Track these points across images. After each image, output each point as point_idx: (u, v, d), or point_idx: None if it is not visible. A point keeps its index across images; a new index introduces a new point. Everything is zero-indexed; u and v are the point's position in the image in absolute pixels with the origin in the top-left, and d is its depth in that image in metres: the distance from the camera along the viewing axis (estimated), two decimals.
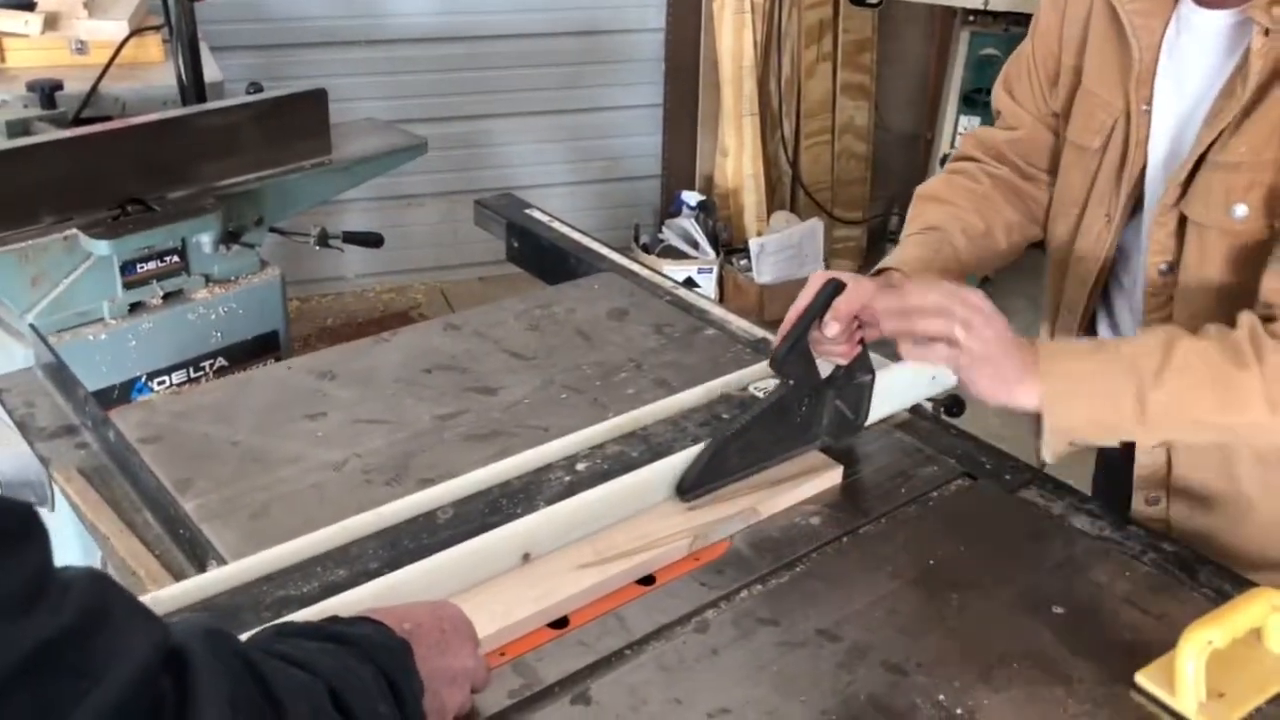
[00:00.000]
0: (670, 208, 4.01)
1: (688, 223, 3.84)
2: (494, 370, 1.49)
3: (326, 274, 3.86)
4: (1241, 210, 1.17)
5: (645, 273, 1.81)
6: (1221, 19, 1.20)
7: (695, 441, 1.23)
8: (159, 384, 1.99)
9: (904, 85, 4.30)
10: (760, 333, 1.64)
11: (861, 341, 1.25)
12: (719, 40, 3.85)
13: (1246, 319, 1.11)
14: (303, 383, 1.42)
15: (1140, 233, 1.31)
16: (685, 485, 1.20)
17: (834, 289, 1.19)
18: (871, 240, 4.23)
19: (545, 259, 1.94)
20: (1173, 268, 1.26)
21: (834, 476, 1.27)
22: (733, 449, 1.22)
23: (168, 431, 1.30)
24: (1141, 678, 1.03)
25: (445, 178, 3.79)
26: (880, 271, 1.35)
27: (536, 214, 2.04)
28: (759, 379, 1.41)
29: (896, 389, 1.42)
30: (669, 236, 3.85)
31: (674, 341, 1.58)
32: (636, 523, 1.16)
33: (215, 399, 1.38)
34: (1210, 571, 1.16)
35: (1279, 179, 1.15)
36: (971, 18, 3.10)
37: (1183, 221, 1.23)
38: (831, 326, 1.18)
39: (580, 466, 1.25)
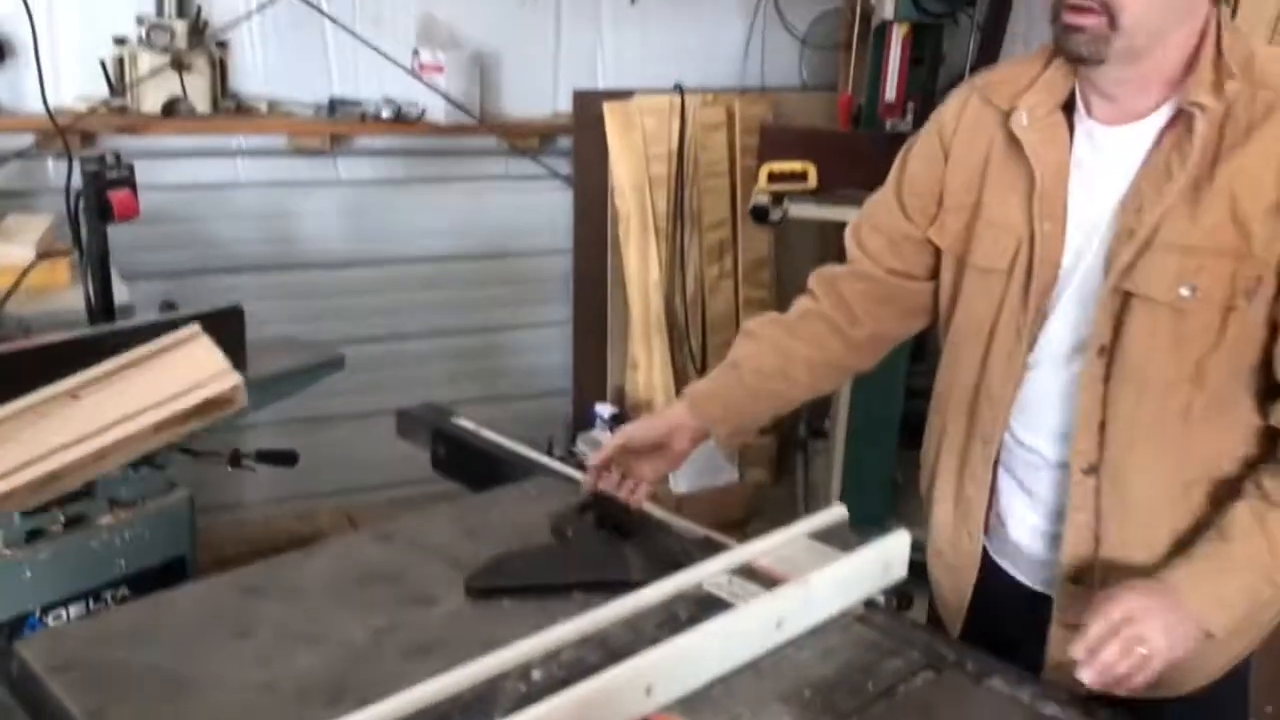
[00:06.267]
0: (584, 420, 4.01)
1: (602, 435, 3.83)
2: (430, 579, 1.42)
3: (225, 499, 3.70)
4: (1186, 291, 1.26)
5: (580, 476, 1.78)
6: (1134, 127, 1.31)
7: (654, 643, 1.16)
8: (54, 618, 1.84)
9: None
10: (703, 532, 1.62)
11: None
12: (626, 261, 3.96)
13: None
14: (228, 599, 1.33)
15: (1053, 339, 1.38)
16: None
17: None
18: (782, 447, 4.27)
19: (474, 466, 1.90)
20: (1104, 350, 1.32)
21: None
22: None
23: (80, 660, 1.19)
24: None
25: (353, 399, 3.73)
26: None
27: (461, 421, 2.01)
28: (712, 576, 1.37)
29: (849, 582, 1.39)
30: (583, 450, 3.83)
31: None
32: None
33: (132, 620, 1.28)
34: None
35: (1226, 264, 1.24)
36: None
37: (1123, 303, 1.30)
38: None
39: (535, 675, 1.17)
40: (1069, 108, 1.38)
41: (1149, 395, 1.30)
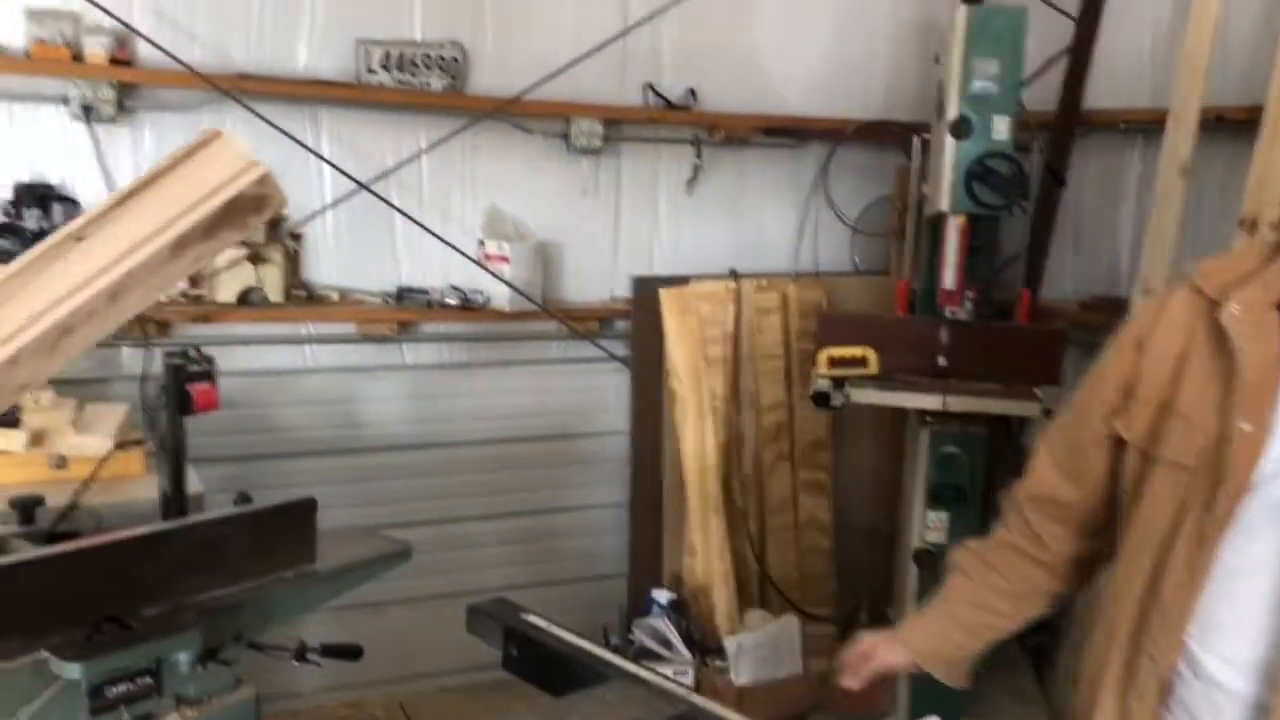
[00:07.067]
0: (641, 607, 3.93)
1: (660, 622, 3.75)
2: None
3: (277, 687, 3.64)
4: None
5: (656, 680, 1.74)
6: None
7: None
8: None
9: (860, 481, 4.43)
10: None
11: None
12: (682, 442, 3.97)
13: None
14: None
15: (1247, 553, 1.27)
16: None
17: None
18: (844, 635, 4.15)
19: (548, 667, 1.85)
20: None
21: None
22: None
23: None
24: None
25: (408, 584, 3.70)
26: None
27: (534, 619, 1.98)
28: None
29: None
30: (640, 637, 3.74)
31: None
32: None
33: None
34: None
35: None
36: (929, 418, 3.25)
37: None
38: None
39: None
40: None
41: None
